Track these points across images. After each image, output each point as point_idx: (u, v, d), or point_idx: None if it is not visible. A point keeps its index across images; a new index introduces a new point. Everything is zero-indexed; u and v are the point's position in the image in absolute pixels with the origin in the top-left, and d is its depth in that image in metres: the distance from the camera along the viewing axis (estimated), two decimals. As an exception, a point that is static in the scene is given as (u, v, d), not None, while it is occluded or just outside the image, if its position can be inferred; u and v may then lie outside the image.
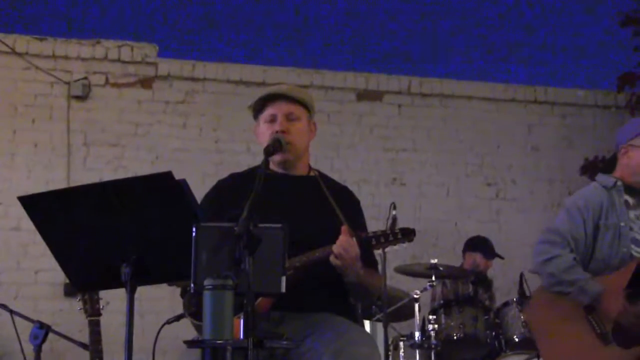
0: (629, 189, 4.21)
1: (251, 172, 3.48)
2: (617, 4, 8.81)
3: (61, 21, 9.79)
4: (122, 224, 2.74)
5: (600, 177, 4.32)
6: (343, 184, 3.69)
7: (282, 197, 3.35)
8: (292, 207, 3.30)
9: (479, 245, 7.11)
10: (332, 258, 3.16)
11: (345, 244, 3.15)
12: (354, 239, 3.17)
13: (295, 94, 3.48)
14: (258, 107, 3.50)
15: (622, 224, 4.13)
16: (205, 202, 3.49)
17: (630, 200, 4.20)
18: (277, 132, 3.36)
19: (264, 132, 3.44)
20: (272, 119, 3.43)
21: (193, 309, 3.21)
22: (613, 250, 4.12)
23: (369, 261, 3.37)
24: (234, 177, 3.61)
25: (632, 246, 4.12)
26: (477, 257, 7.03)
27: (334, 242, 3.17)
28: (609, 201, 4.16)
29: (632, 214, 4.18)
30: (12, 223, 7.24)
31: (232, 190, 3.45)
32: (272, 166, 3.48)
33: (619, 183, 4.19)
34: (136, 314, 2.75)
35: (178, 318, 3.44)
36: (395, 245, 3.32)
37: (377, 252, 3.58)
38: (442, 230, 8.27)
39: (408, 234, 3.31)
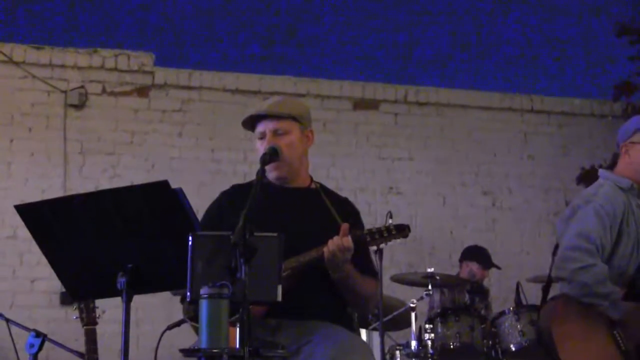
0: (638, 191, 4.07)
1: (253, 183, 3.50)
2: (614, 14, 8.84)
3: (58, 30, 9.80)
4: (118, 233, 2.75)
5: (612, 176, 4.12)
6: (343, 196, 3.70)
7: (283, 210, 3.37)
8: (294, 220, 3.32)
9: (475, 254, 7.10)
10: (325, 249, 3.17)
11: (339, 245, 3.15)
12: (350, 237, 3.18)
13: (278, 110, 3.49)
14: (249, 125, 3.54)
15: None
16: (208, 213, 3.53)
17: None
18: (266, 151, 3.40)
19: (258, 149, 3.48)
20: (262, 136, 3.48)
21: (193, 314, 3.21)
22: (632, 259, 3.98)
23: (365, 266, 3.39)
24: (235, 188, 3.63)
25: None
26: (474, 267, 7.02)
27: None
28: (627, 204, 4.00)
29: None
30: (8, 232, 7.23)
31: (233, 201, 3.46)
32: (272, 179, 3.50)
33: (635, 186, 4.04)
34: (132, 322, 2.75)
35: (179, 323, 3.45)
36: (389, 241, 3.35)
37: (372, 250, 3.59)
38: (438, 239, 8.26)
39: (402, 230, 3.33)
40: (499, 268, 7.16)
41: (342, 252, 3.16)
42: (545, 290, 4.23)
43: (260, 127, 3.49)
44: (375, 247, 3.64)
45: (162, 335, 3.21)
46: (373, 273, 3.54)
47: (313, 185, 3.58)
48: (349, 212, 3.53)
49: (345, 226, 3.19)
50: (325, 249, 3.18)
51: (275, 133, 3.44)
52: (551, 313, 4.04)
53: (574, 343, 3.90)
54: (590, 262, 3.85)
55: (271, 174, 3.44)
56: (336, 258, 3.17)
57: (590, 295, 3.85)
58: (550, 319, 4.01)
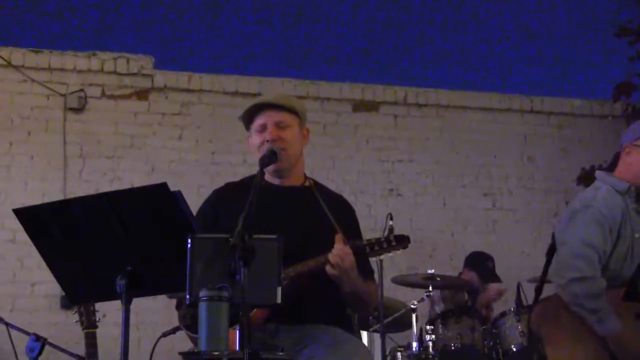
0: (636, 195, 4.00)
1: (247, 182, 3.48)
2: (613, 14, 8.84)
3: (57, 33, 9.80)
4: (117, 236, 2.74)
5: (610, 179, 4.06)
6: (338, 193, 3.69)
7: (277, 208, 3.35)
8: (287, 218, 3.30)
9: (478, 264, 7.03)
10: (328, 267, 3.16)
11: (340, 253, 3.15)
12: (349, 247, 3.17)
13: (283, 102, 3.49)
14: (248, 119, 3.50)
15: (637, 235, 3.94)
16: (202, 212, 3.50)
17: (638, 207, 4.00)
18: (267, 140, 3.37)
19: (256, 142, 3.44)
20: (263, 129, 3.43)
21: (189, 322, 3.20)
22: (626, 262, 3.92)
23: (364, 270, 3.37)
24: (229, 187, 3.61)
25: None
26: (474, 276, 6.97)
27: (330, 251, 3.17)
28: (625, 208, 3.95)
29: None
30: (8, 235, 7.22)
31: (228, 200, 3.45)
32: (266, 176, 3.48)
33: (632, 189, 3.97)
34: (132, 325, 2.74)
35: (174, 330, 3.44)
36: (390, 252, 3.33)
37: (373, 261, 3.58)
38: (439, 240, 8.26)
39: (402, 241, 3.31)
40: (500, 281, 7.10)
41: (343, 260, 3.15)
42: (538, 291, 4.17)
43: (261, 119, 3.44)
44: (375, 258, 3.62)
45: (156, 342, 3.21)
46: (372, 276, 3.54)
47: (307, 183, 3.56)
48: (343, 210, 3.52)
49: (338, 237, 3.19)
50: (327, 267, 3.16)
51: (278, 125, 3.41)
52: (543, 314, 4.04)
53: (563, 345, 3.91)
54: (588, 274, 3.79)
55: (270, 166, 3.40)
56: (339, 269, 3.15)
57: (579, 306, 3.80)
58: (541, 321, 4.03)
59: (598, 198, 3.96)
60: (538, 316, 4.09)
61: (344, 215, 3.46)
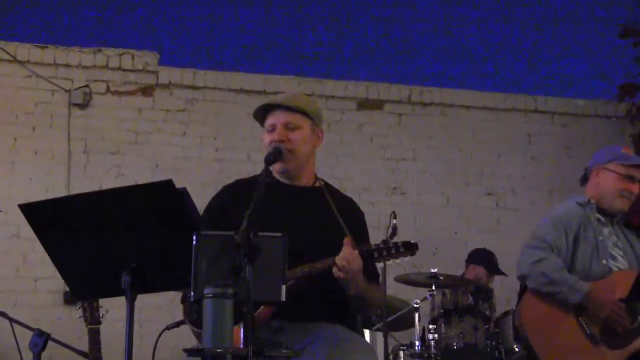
0: (599, 208, 4.58)
1: (257, 179, 3.49)
2: (618, 15, 8.83)
3: (62, 29, 9.80)
4: (122, 232, 2.74)
5: (576, 196, 4.69)
6: (348, 196, 3.68)
7: (286, 207, 3.36)
8: (297, 218, 3.30)
9: (484, 259, 7.04)
10: (335, 270, 3.16)
11: (348, 256, 3.15)
12: (357, 251, 3.18)
13: (292, 103, 3.47)
14: (260, 117, 3.51)
15: (600, 238, 4.47)
16: (210, 207, 3.52)
17: (602, 218, 4.56)
18: (274, 141, 3.37)
19: (266, 142, 3.45)
20: (272, 129, 3.44)
21: (193, 317, 3.20)
22: (593, 262, 4.42)
23: (370, 273, 3.37)
24: (239, 183, 3.61)
25: (610, 260, 4.44)
26: (481, 271, 6.98)
27: (337, 254, 3.17)
28: (585, 217, 4.51)
29: (605, 230, 4.53)
30: (11, 230, 7.23)
31: (236, 196, 3.45)
32: (277, 176, 3.49)
33: (592, 202, 4.58)
34: (135, 322, 2.74)
35: (178, 324, 3.44)
36: (397, 259, 3.32)
37: (378, 264, 3.59)
38: (442, 239, 8.25)
39: (410, 248, 3.31)
40: (505, 275, 7.12)
41: (350, 263, 3.15)
42: (521, 293, 4.64)
43: (271, 119, 3.46)
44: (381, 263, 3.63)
45: (159, 335, 3.21)
46: (377, 279, 3.55)
47: (317, 184, 3.56)
48: (352, 213, 3.52)
49: (347, 240, 3.20)
50: (334, 270, 3.17)
51: (287, 126, 3.42)
52: (521, 309, 4.46)
53: (544, 332, 4.31)
54: (543, 255, 4.39)
55: (276, 166, 3.41)
56: (346, 272, 3.16)
57: (549, 283, 4.33)
58: (521, 314, 4.44)
59: (561, 208, 4.67)
60: (519, 311, 4.49)
61: (353, 218, 3.46)
